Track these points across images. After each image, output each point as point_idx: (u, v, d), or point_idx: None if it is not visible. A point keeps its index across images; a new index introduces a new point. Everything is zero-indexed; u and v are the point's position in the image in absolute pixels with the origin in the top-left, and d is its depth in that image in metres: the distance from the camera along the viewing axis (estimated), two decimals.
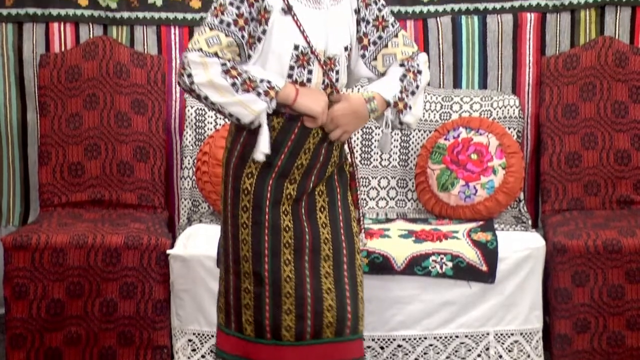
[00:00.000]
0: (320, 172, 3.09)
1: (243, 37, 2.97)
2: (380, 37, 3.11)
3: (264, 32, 2.99)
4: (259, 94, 2.94)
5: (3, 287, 4.12)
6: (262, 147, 2.98)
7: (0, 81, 4.74)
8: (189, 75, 2.94)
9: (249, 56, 3.00)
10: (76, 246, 4.07)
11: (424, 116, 4.56)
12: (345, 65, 3.10)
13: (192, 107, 4.57)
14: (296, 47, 3.00)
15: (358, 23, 3.11)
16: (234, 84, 2.94)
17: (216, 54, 2.94)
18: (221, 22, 2.95)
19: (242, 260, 3.06)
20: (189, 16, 4.70)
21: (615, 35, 4.70)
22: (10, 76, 4.74)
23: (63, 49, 4.71)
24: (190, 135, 4.56)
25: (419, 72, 3.12)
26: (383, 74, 3.14)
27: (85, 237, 4.09)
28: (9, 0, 4.69)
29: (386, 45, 3.12)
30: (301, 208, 3.07)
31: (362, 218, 3.22)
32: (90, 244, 4.07)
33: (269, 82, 2.95)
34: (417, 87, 3.11)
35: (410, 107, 3.09)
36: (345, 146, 3.19)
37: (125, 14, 4.69)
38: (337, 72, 3.06)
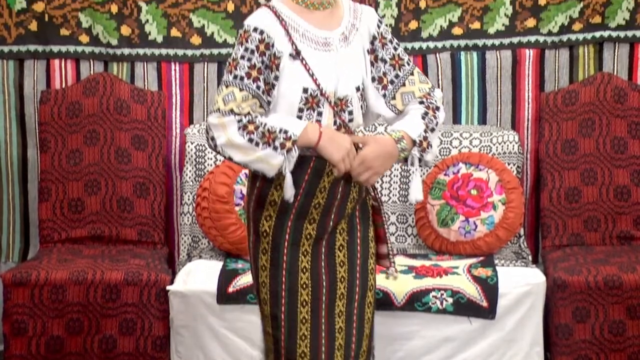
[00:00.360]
0: (340, 209, 3.08)
1: (258, 87, 2.97)
2: (397, 76, 3.11)
3: (276, 78, 3.00)
4: (275, 148, 2.94)
5: (2, 323, 4.11)
6: (287, 195, 2.97)
7: (1, 118, 4.75)
8: (212, 139, 2.98)
9: (269, 103, 3.01)
10: (76, 282, 4.06)
11: None
12: (359, 105, 3.08)
13: (192, 143, 4.57)
14: (305, 90, 3.00)
15: (372, 64, 3.10)
16: (251, 140, 2.94)
17: (232, 111, 2.95)
18: (235, 77, 2.97)
19: (262, 303, 3.07)
20: (189, 52, 4.72)
21: (613, 71, 4.72)
22: (11, 113, 4.75)
23: (64, 85, 4.72)
24: (190, 171, 4.57)
25: (437, 108, 3.12)
26: (401, 112, 3.13)
27: (84, 273, 4.08)
28: (10, 37, 4.71)
29: (404, 84, 3.11)
30: (322, 247, 3.06)
31: (391, 253, 3.20)
32: (89, 280, 4.06)
33: (285, 132, 2.94)
34: (437, 124, 3.11)
35: (431, 146, 3.09)
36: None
37: (126, 51, 4.71)
38: (351, 113, 3.06)
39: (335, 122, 3.04)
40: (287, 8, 3.03)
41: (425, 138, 3.07)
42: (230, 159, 2.97)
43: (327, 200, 3.05)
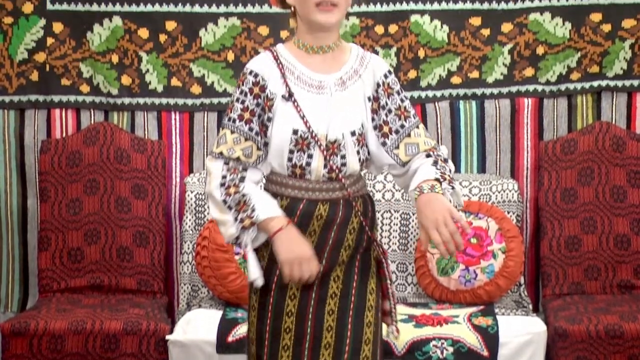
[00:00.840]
0: (332, 256, 3.06)
1: (251, 129, 3.00)
2: (402, 126, 3.10)
3: (269, 119, 3.02)
4: (236, 219, 2.97)
5: None
6: (251, 275, 2.99)
7: (2, 167, 4.75)
8: (205, 183, 3.02)
9: (266, 144, 3.03)
10: (75, 332, 4.04)
11: None
12: (354, 150, 3.05)
13: (192, 192, 4.58)
14: (295, 132, 3.02)
15: (375, 111, 3.08)
16: (224, 201, 2.98)
17: (221, 154, 2.98)
18: (229, 119, 3.01)
19: (249, 342, 3.07)
20: (189, 102, 4.74)
21: (612, 120, 4.74)
22: (12, 162, 4.76)
23: (64, 134, 4.74)
24: (190, 220, 4.57)
25: (446, 160, 3.11)
26: (405, 163, 3.11)
27: (84, 322, 4.07)
28: (11, 88, 4.73)
29: (409, 135, 3.10)
30: (312, 293, 3.05)
31: (393, 310, 3.16)
32: (89, 330, 4.05)
33: (253, 209, 2.96)
34: (450, 171, 3.08)
35: (454, 180, 3.06)
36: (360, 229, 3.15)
37: (126, 100, 4.73)
38: (343, 157, 3.04)
39: (325, 166, 3.03)
40: (287, 52, 3.06)
41: (442, 174, 3.03)
42: (208, 207, 3.01)
43: (317, 244, 3.04)
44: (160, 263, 4.60)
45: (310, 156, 3.02)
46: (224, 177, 2.98)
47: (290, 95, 3.01)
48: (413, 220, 4.58)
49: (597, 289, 4.54)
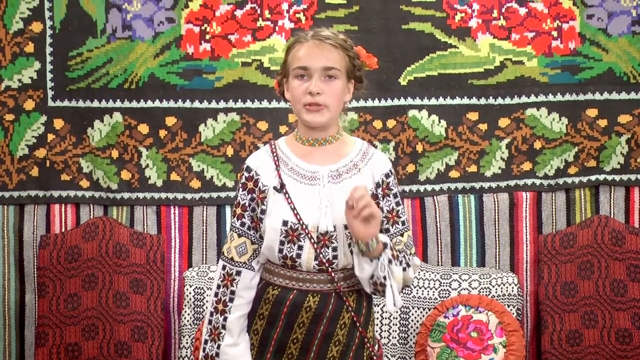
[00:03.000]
0: (321, 350, 3.04)
1: (243, 224, 3.08)
2: (387, 230, 3.11)
3: (262, 212, 3.05)
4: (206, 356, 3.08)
5: None
6: None
7: (0, 263, 4.74)
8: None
9: (262, 237, 3.06)
10: None
11: (422, 293, 4.56)
12: (346, 243, 3.06)
13: (190, 286, 4.56)
14: (285, 223, 3.03)
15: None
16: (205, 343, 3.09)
17: (222, 253, 3.11)
18: (232, 215, 3.13)
19: None
20: (188, 196, 4.76)
21: (610, 214, 4.74)
22: (10, 257, 4.76)
23: (63, 229, 4.74)
24: (188, 314, 4.55)
25: (408, 265, 3.10)
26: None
27: None
28: (11, 183, 4.75)
29: (392, 240, 3.12)
30: None
31: None
32: None
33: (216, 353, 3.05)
34: (407, 265, 3.06)
35: (399, 260, 3.04)
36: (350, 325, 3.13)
37: (126, 195, 4.75)
38: (335, 250, 3.05)
39: (316, 258, 3.03)
40: (286, 145, 3.12)
41: (392, 249, 3.02)
42: None
43: (305, 336, 3.02)
44: (159, 358, 4.56)
45: (300, 247, 3.03)
46: (216, 294, 3.08)
47: (282, 186, 3.03)
48: (413, 314, 4.56)
49: None
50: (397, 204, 3.11)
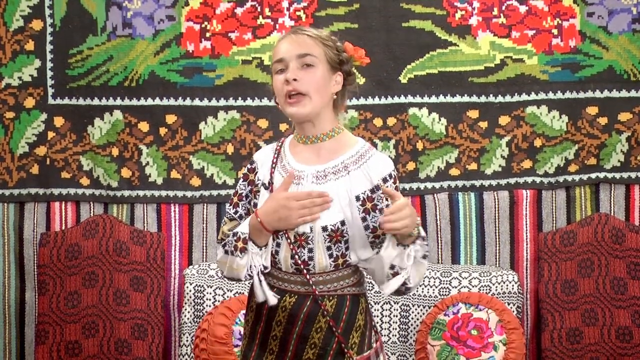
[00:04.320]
0: (298, 349, 3.02)
1: (236, 212, 3.10)
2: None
3: (255, 205, 3.06)
4: (231, 252, 3.02)
5: None
6: (259, 297, 3.02)
7: (0, 260, 4.75)
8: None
9: None
10: None
11: (423, 291, 4.56)
12: (324, 245, 3.01)
13: (191, 284, 4.56)
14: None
15: (368, 212, 3.01)
16: (224, 248, 3.05)
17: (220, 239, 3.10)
18: (229, 203, 3.14)
19: None
20: (188, 194, 4.76)
21: (610, 212, 4.74)
22: (10, 255, 4.76)
23: (64, 227, 4.74)
24: (188, 312, 4.55)
25: (424, 256, 3.08)
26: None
27: None
28: (12, 181, 4.75)
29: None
30: None
31: None
32: None
33: (235, 233, 3.03)
34: (423, 256, 3.04)
35: (423, 256, 3.03)
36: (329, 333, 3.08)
37: (126, 192, 4.75)
38: (311, 251, 3.01)
39: (292, 257, 3.02)
40: (288, 142, 3.12)
41: (422, 245, 3.01)
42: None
43: (282, 334, 3.01)
44: (159, 356, 4.56)
45: (278, 245, 3.03)
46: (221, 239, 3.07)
47: (270, 183, 3.04)
48: (413, 312, 4.56)
49: None
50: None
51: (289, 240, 3.00)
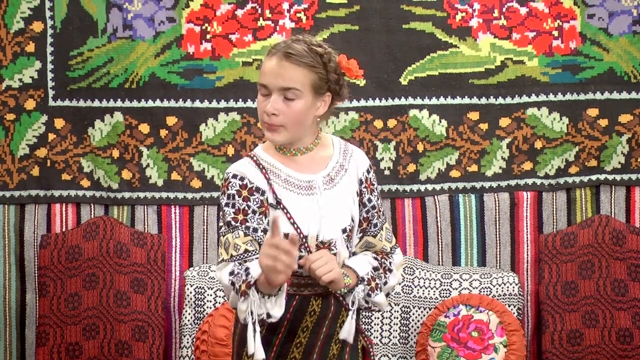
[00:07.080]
0: (323, 351, 3.04)
1: (248, 227, 2.93)
2: (375, 225, 3.11)
3: (268, 223, 2.99)
4: (237, 291, 2.88)
5: None
6: (249, 348, 2.89)
7: (1, 262, 4.75)
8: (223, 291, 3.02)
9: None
10: None
11: (423, 293, 4.56)
12: (344, 245, 3.05)
13: (191, 286, 4.57)
14: (286, 236, 2.95)
15: (364, 205, 3.08)
16: (233, 284, 2.90)
17: (232, 256, 2.93)
18: (225, 224, 2.95)
19: None
20: (189, 196, 4.76)
21: (611, 214, 4.74)
22: (11, 257, 4.76)
23: (64, 229, 4.74)
24: (189, 314, 4.55)
25: (389, 270, 3.11)
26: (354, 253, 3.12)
27: None
28: (12, 183, 4.75)
29: (374, 235, 3.12)
30: None
31: None
32: None
33: (247, 273, 2.86)
34: (385, 283, 3.08)
35: (380, 288, 3.07)
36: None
37: (127, 194, 4.75)
38: (334, 255, 3.02)
39: None
40: (268, 155, 3.02)
41: (373, 278, 3.03)
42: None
43: (309, 339, 3.01)
44: (160, 358, 4.56)
45: (300, 258, 2.99)
46: (231, 272, 2.90)
47: (278, 202, 2.98)
48: (414, 314, 4.56)
49: None
50: (377, 197, 3.12)
51: (312, 251, 2.98)
